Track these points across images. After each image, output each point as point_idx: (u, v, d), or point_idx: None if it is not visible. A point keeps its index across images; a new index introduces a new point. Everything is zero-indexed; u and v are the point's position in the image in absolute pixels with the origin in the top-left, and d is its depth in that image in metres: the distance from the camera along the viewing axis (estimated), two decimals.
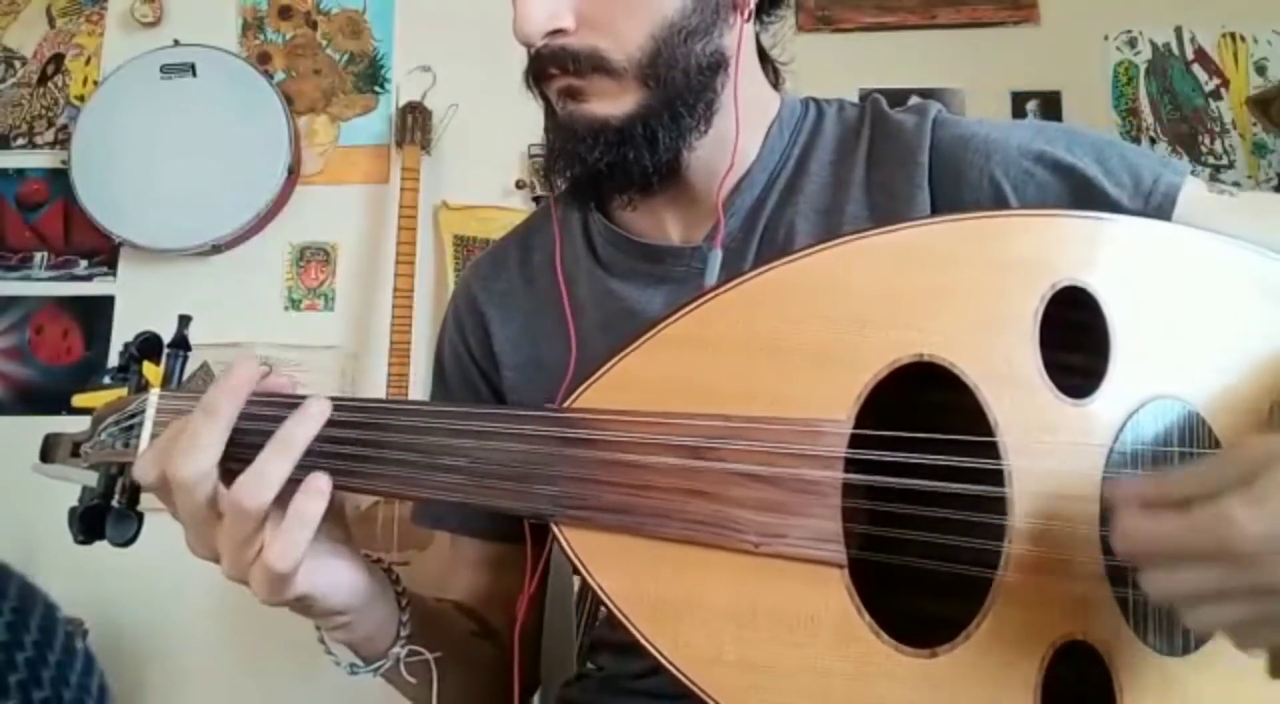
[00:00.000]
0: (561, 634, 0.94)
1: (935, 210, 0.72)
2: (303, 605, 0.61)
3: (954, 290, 0.58)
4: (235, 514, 0.56)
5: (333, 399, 0.62)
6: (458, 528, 0.88)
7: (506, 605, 0.83)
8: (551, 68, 0.68)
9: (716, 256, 0.73)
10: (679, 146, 0.71)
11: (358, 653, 0.68)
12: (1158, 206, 0.67)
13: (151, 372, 0.67)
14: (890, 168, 0.75)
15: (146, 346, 0.68)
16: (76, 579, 1.85)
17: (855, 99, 0.83)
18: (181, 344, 0.68)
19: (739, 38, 0.73)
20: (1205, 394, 0.57)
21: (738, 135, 0.75)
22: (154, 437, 0.63)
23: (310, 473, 0.57)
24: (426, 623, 0.70)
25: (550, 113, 0.74)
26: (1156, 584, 0.48)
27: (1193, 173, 0.70)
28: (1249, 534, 0.44)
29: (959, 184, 0.72)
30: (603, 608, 0.59)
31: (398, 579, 0.70)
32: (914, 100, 0.79)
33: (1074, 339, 0.57)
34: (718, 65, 0.71)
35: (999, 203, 0.70)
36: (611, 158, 0.69)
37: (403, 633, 0.67)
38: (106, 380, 0.68)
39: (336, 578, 0.62)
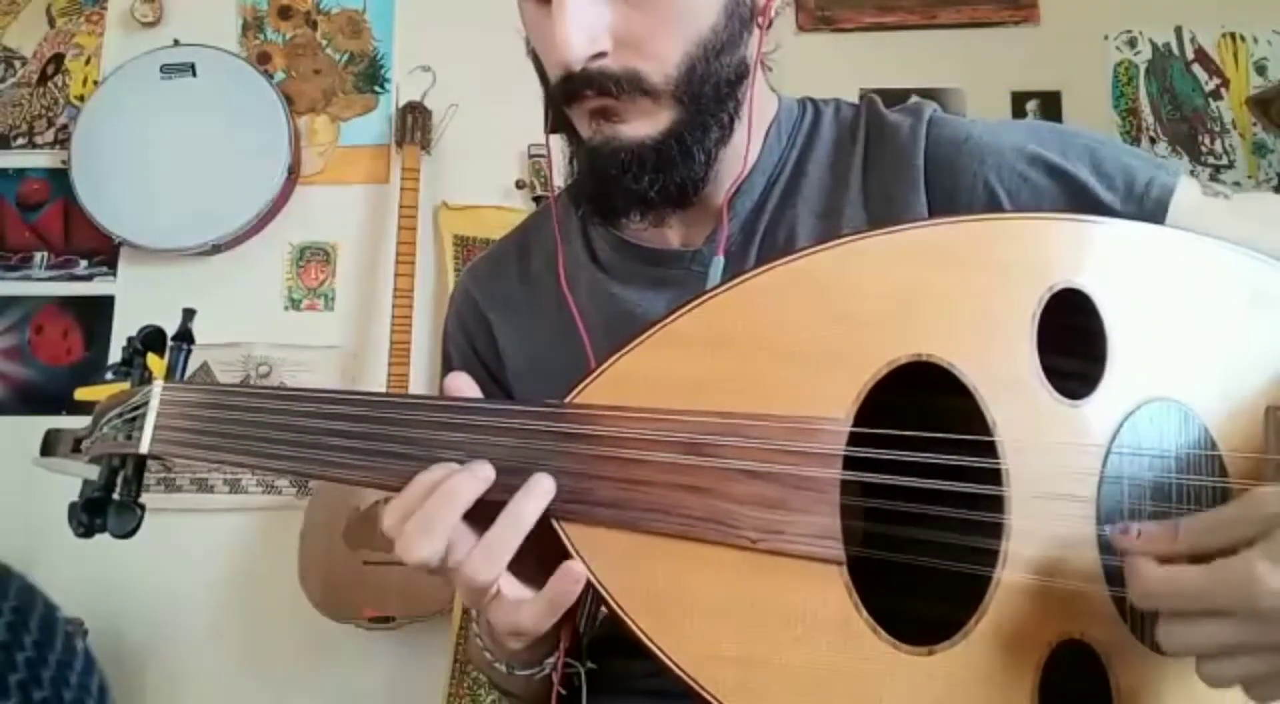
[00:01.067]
0: None
1: (931, 212, 0.72)
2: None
3: (953, 292, 0.58)
4: (466, 586, 0.58)
5: (330, 392, 0.62)
6: None
7: None
8: (588, 90, 0.68)
9: (719, 263, 0.73)
10: (709, 160, 0.71)
11: (516, 660, 0.69)
12: (1151, 210, 0.67)
13: (155, 363, 0.67)
14: (886, 170, 0.75)
15: (150, 340, 0.69)
16: (76, 579, 1.85)
17: (855, 99, 0.83)
18: (185, 337, 0.69)
19: (757, 47, 0.73)
20: (1202, 397, 0.57)
21: (749, 142, 0.75)
22: (158, 428, 0.64)
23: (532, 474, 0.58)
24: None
25: (568, 127, 0.73)
26: (1173, 636, 0.48)
27: (1192, 173, 0.70)
28: (1273, 590, 0.44)
29: (954, 187, 0.72)
30: (603, 607, 0.59)
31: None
32: (914, 100, 0.79)
33: (1071, 341, 0.57)
34: (742, 76, 0.71)
35: (992, 206, 0.70)
36: (659, 185, 0.70)
37: (563, 644, 0.68)
38: (109, 375, 0.69)
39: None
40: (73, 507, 0.65)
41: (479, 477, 0.58)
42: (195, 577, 2.06)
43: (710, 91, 0.69)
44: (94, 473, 0.67)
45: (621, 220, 0.76)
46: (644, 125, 0.69)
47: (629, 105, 0.68)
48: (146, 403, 0.64)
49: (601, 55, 0.66)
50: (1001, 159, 0.72)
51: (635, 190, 0.70)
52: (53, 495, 0.68)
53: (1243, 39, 2.21)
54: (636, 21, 0.66)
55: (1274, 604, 0.44)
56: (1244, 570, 0.45)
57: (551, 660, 0.68)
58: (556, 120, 0.74)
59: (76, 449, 0.69)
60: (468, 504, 0.57)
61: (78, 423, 0.71)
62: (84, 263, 2.23)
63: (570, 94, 0.69)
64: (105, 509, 0.64)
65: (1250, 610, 0.45)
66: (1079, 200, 0.69)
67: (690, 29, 0.67)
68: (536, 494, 0.58)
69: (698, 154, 0.70)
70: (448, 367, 0.90)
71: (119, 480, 0.65)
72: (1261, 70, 2.20)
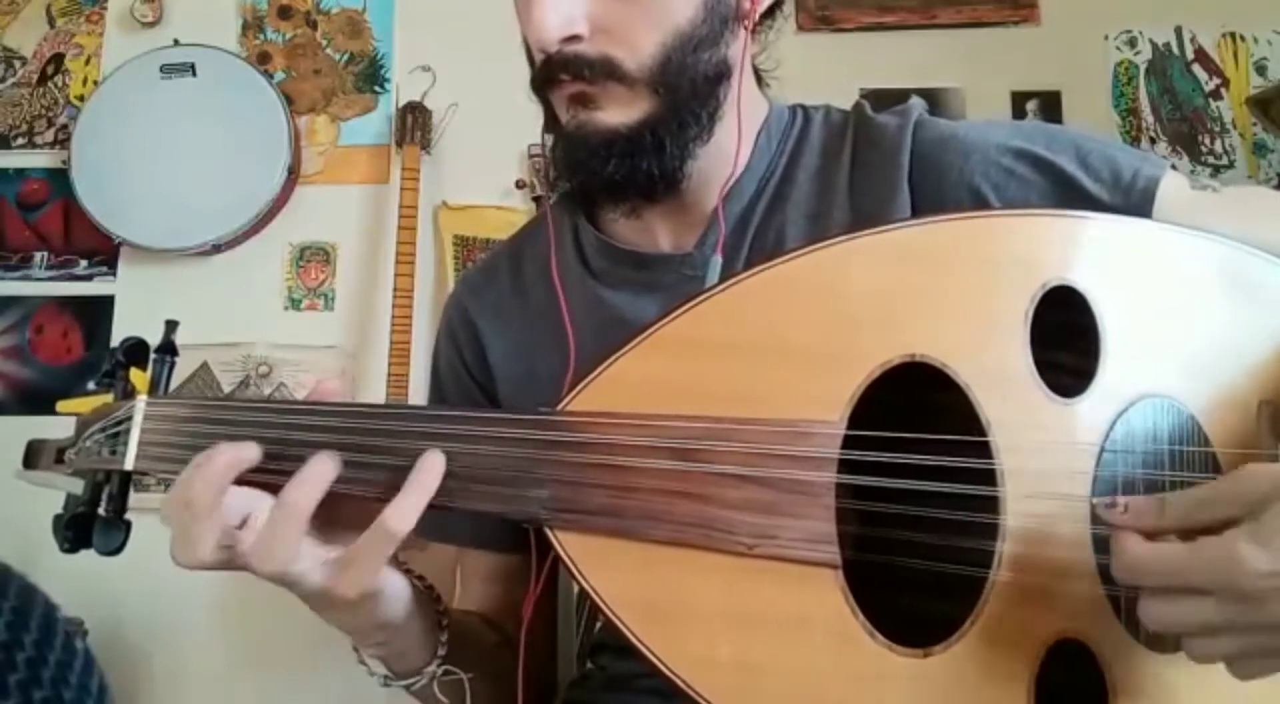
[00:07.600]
0: (563, 636, 0.94)
1: (916, 211, 0.72)
2: (359, 611, 0.61)
3: (946, 290, 0.58)
4: (268, 575, 0.58)
5: (316, 403, 0.62)
6: (466, 541, 0.87)
7: (520, 616, 0.83)
8: (563, 74, 0.68)
9: (717, 262, 0.73)
10: (684, 155, 0.71)
11: (390, 667, 0.68)
12: (1137, 201, 0.67)
13: (138, 378, 0.66)
14: (872, 171, 0.75)
15: (132, 352, 0.67)
16: (76, 579, 1.84)
17: (855, 98, 0.83)
18: (168, 350, 0.67)
19: (742, 48, 0.73)
20: (1195, 393, 0.57)
21: (739, 144, 0.75)
22: (142, 443, 0.63)
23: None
24: (461, 640, 0.70)
25: (553, 120, 0.74)
26: (1155, 613, 0.48)
27: (1192, 172, 0.70)
28: (1255, 572, 0.44)
29: (940, 185, 0.72)
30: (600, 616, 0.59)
31: (439, 597, 0.70)
32: (911, 100, 0.80)
33: (1064, 339, 0.57)
34: (722, 75, 0.72)
35: (980, 204, 0.70)
36: (625, 170, 0.70)
37: (440, 652, 0.67)
38: (92, 386, 0.67)
39: (399, 585, 0.63)
40: (57, 520, 0.63)
41: (241, 457, 0.58)
42: (195, 576, 2.06)
43: (687, 86, 0.69)
44: (77, 486, 0.65)
45: (597, 211, 0.76)
46: (618, 113, 0.69)
47: (604, 92, 0.69)
48: (130, 418, 0.63)
49: (577, 39, 0.67)
50: (986, 156, 0.72)
51: (603, 175, 0.70)
52: (53, 496, 0.68)
53: (1243, 39, 2.21)
54: (614, 9, 0.67)
55: (1255, 585, 0.44)
56: (1226, 550, 0.45)
57: (431, 669, 0.67)
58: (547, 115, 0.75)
59: (60, 460, 0.67)
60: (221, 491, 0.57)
61: (74, 426, 0.71)
62: (84, 263, 2.23)
63: (548, 78, 0.70)
64: (91, 525, 0.63)
65: (1231, 591, 0.45)
66: (1066, 192, 0.69)
67: (667, 20, 0.68)
68: (311, 482, 0.57)
69: (671, 147, 0.70)
70: (436, 378, 0.90)
71: (104, 496, 0.64)
72: (1261, 70, 2.20)
